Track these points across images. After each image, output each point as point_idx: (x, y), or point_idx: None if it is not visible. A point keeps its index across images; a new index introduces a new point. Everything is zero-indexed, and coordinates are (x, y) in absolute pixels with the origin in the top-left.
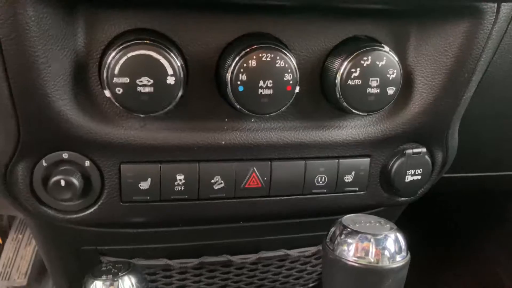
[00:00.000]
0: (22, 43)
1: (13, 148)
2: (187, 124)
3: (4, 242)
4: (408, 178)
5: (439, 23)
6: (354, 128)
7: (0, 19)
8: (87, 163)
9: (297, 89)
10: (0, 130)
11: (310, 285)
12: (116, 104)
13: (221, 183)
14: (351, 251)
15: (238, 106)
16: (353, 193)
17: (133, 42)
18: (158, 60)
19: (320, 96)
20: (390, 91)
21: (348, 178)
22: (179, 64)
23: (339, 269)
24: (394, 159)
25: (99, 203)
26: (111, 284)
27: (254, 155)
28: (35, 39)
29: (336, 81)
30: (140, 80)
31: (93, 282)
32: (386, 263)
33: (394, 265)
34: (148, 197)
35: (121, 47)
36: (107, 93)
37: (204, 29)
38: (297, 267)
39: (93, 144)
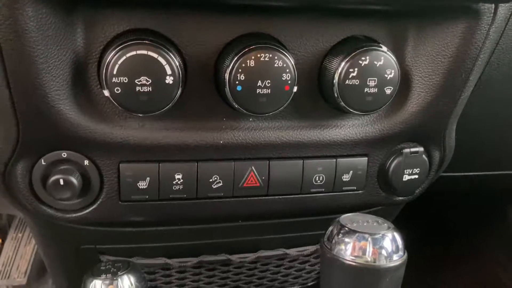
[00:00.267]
0: (21, 43)
1: (12, 147)
2: (186, 124)
3: (3, 241)
4: (406, 177)
5: (437, 24)
6: (352, 128)
7: None
8: (86, 162)
9: (295, 89)
10: None
11: (309, 284)
12: (115, 103)
13: (220, 182)
14: (348, 250)
15: (236, 106)
16: (351, 192)
17: (132, 42)
18: (156, 60)
19: (318, 96)
20: (388, 90)
21: (346, 177)
22: (177, 64)
23: (336, 268)
24: (391, 159)
25: (98, 202)
26: (111, 283)
27: (252, 154)
28: (34, 39)
29: (334, 81)
30: (138, 80)
31: (92, 281)
32: (383, 262)
33: (391, 264)
34: (147, 196)
35: (120, 47)
36: (106, 92)
37: (203, 29)
38: (295, 266)
39: (92, 143)
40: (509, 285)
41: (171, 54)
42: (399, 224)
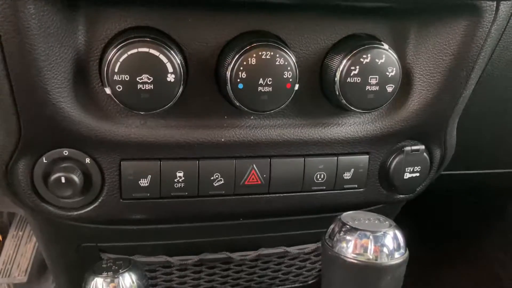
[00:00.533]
0: (23, 40)
1: (14, 145)
2: (187, 122)
3: (4, 239)
4: (407, 175)
5: (439, 21)
6: (353, 126)
7: (1, 17)
8: (87, 160)
9: (296, 87)
10: (1, 127)
11: (310, 282)
12: (117, 101)
13: (221, 180)
14: (350, 248)
15: (237, 104)
16: (352, 190)
17: (133, 39)
18: (158, 58)
19: (320, 94)
20: (389, 88)
21: (347, 175)
22: (179, 62)
23: (338, 266)
24: (392, 156)
25: (99, 200)
26: (112, 281)
27: (253, 152)
28: (36, 36)
29: (336, 78)
30: (140, 77)
31: (93, 279)
32: (384, 260)
33: (393, 262)
34: (148, 194)
35: (121, 44)
36: (107, 90)
37: (204, 27)
38: (296, 264)
39: (93, 141)
40: (508, 284)
41: (172, 52)
42: (399, 223)
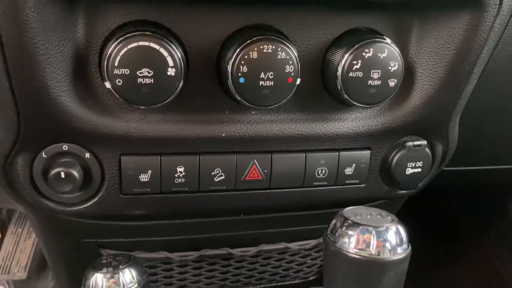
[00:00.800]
0: (22, 34)
1: (13, 140)
2: (188, 116)
3: (3, 235)
4: (409, 171)
5: (441, 15)
6: (354, 121)
7: (0, 10)
8: (87, 155)
9: (298, 81)
10: (0, 121)
11: (310, 278)
12: (116, 96)
13: (222, 175)
14: (352, 243)
15: (239, 98)
16: (354, 185)
17: (133, 33)
18: (158, 52)
19: (321, 88)
20: (392, 83)
21: (349, 171)
22: (179, 56)
23: (340, 261)
24: (394, 152)
25: (99, 195)
26: (112, 277)
27: (254, 147)
28: (35, 30)
29: (337, 73)
30: (140, 71)
31: (93, 274)
32: (387, 255)
33: (395, 257)
34: (149, 189)
35: (121, 38)
36: (107, 84)
37: (205, 20)
38: (297, 260)
39: (93, 136)
40: (509, 281)
41: (173, 45)
42: (400, 218)
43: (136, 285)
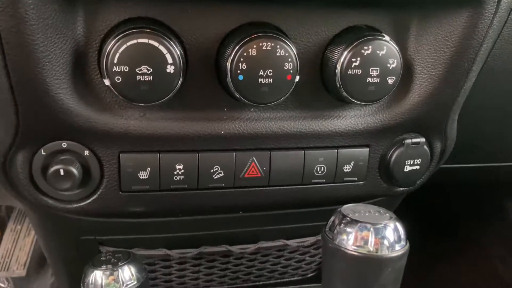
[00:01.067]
0: (21, 31)
1: (12, 137)
2: (187, 114)
3: (2, 233)
4: (407, 168)
5: (440, 13)
6: (353, 118)
7: None
8: (86, 152)
9: (297, 78)
10: None
11: (309, 275)
12: (116, 93)
13: (221, 172)
14: (350, 240)
15: (238, 96)
16: (352, 183)
17: (132, 30)
18: (157, 49)
19: (320, 86)
20: (390, 80)
21: (347, 168)
22: (178, 53)
23: (338, 258)
24: (393, 149)
25: (98, 193)
26: (111, 274)
27: (253, 144)
28: (34, 27)
29: (336, 70)
30: (139, 69)
31: (93, 271)
32: (385, 252)
33: (393, 254)
34: (148, 187)
35: (120, 35)
36: (106, 82)
37: (204, 18)
38: (295, 257)
39: (92, 133)
40: (507, 279)
41: (172, 43)
42: (399, 216)
43: (135, 282)
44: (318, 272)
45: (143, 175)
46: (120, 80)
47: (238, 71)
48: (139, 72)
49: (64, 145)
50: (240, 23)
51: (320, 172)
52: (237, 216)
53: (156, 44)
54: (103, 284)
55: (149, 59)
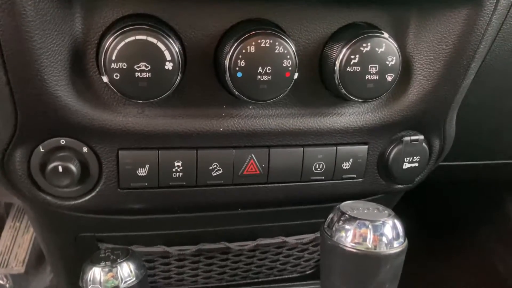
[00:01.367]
0: (19, 27)
1: (10, 134)
2: (185, 111)
3: (1, 230)
4: (406, 166)
5: (439, 10)
6: (352, 115)
7: None
8: (84, 149)
9: (295, 76)
10: None
11: (307, 272)
12: (114, 90)
13: (219, 169)
14: (349, 237)
15: (236, 93)
16: (351, 180)
17: (131, 27)
18: (156, 46)
19: (319, 83)
20: (389, 78)
21: (346, 165)
22: (177, 50)
23: (337, 255)
24: (391, 147)
25: (97, 190)
26: (110, 271)
27: (252, 142)
28: (32, 23)
29: (335, 67)
30: (138, 65)
31: (91, 268)
32: (383, 249)
33: (392, 251)
34: (146, 184)
35: (119, 32)
36: (104, 79)
37: (203, 15)
38: (294, 254)
39: (90, 130)
40: (507, 277)
41: (170, 39)
42: (397, 213)
43: (134, 279)
44: (316, 269)
45: (141, 172)
46: (119, 77)
47: (237, 68)
48: (138, 69)
49: (62, 142)
50: (239, 20)
51: (318, 169)
52: (236, 213)
53: (154, 41)
54: (101, 280)
55: (147, 56)
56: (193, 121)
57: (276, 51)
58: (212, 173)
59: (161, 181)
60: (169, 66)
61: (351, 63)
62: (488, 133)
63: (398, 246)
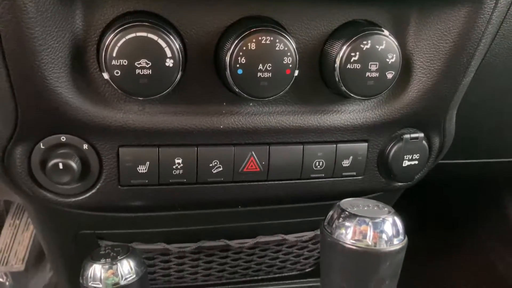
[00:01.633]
0: (19, 24)
1: (11, 130)
2: (186, 108)
3: (1, 227)
4: (405, 163)
5: (440, 8)
6: (352, 113)
7: None
8: (85, 146)
9: (296, 73)
10: None
11: (307, 270)
12: (115, 87)
13: (220, 167)
14: (349, 234)
15: (237, 90)
16: (351, 177)
17: (131, 24)
18: (156, 42)
19: (319, 80)
20: (389, 75)
21: (346, 163)
22: (177, 47)
23: (336, 252)
24: (391, 144)
25: (97, 187)
26: (110, 268)
27: (252, 139)
28: (33, 20)
29: (336, 65)
30: (138, 62)
31: (92, 265)
32: (383, 246)
33: (392, 248)
34: (147, 181)
35: (119, 29)
36: (105, 75)
37: (203, 11)
38: (294, 252)
39: (91, 127)
40: (505, 274)
41: (171, 36)
42: (397, 210)
43: (134, 276)
44: (316, 266)
45: (142, 169)
46: (119, 74)
47: (237, 65)
48: (138, 66)
49: (63, 138)
50: (239, 17)
51: (318, 166)
52: (236, 210)
53: (155, 37)
54: (102, 277)
55: (148, 53)
56: (193, 118)
57: (277, 48)
58: (213, 170)
59: (161, 178)
60: (169, 63)
61: (352, 60)
62: (488, 131)
63: (398, 243)
